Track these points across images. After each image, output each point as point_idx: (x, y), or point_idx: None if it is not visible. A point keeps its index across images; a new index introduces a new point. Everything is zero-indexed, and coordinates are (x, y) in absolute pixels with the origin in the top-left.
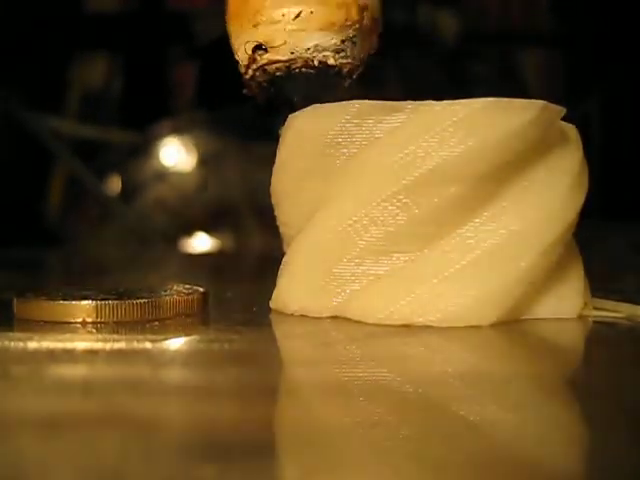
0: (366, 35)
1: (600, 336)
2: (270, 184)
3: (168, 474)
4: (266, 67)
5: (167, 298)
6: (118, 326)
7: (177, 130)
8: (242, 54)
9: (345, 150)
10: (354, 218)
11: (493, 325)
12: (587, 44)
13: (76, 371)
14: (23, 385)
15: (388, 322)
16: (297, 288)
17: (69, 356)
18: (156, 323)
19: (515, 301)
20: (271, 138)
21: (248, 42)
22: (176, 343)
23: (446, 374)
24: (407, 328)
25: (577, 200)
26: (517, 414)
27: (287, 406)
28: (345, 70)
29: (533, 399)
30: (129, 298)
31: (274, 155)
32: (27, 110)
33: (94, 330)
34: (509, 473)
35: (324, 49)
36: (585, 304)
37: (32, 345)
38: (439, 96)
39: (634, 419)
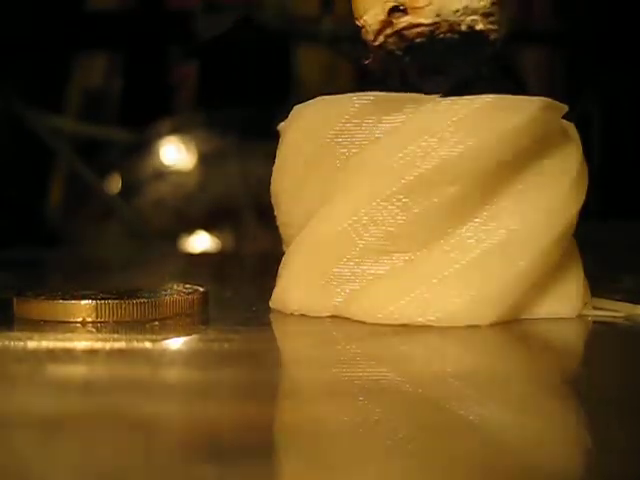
0: None
1: (600, 336)
2: (270, 183)
3: (168, 474)
4: (404, 32)
5: (167, 298)
6: (118, 326)
7: (177, 129)
8: (372, 17)
9: (345, 150)
10: (354, 218)
11: (493, 325)
12: (587, 43)
13: (76, 371)
14: (23, 384)
15: (388, 322)
16: (297, 288)
17: (69, 355)
18: (156, 323)
19: (515, 301)
20: (271, 137)
21: (386, 2)
22: (176, 343)
23: (446, 374)
24: (407, 328)
25: (577, 199)
26: (517, 414)
27: (287, 406)
28: (491, 37)
29: (533, 399)
30: (129, 298)
31: (274, 154)
32: (27, 109)
33: (94, 330)
34: (508, 472)
35: (473, 12)
36: (585, 304)
37: (32, 344)
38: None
39: (634, 419)
